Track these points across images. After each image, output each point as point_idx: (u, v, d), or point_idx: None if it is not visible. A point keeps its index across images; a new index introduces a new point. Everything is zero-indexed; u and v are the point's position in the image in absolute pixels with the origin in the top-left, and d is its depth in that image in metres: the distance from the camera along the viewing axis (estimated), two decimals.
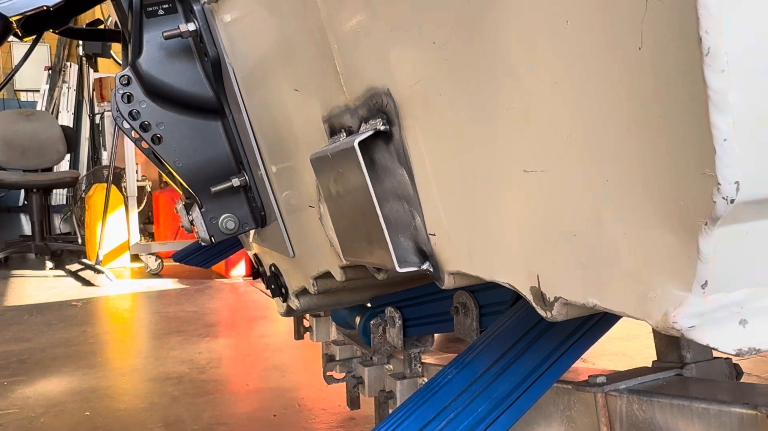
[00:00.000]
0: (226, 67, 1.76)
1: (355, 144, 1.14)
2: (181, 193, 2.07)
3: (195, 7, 1.75)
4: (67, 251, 10.04)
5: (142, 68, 1.81)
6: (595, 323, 1.49)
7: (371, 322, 2.20)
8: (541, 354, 1.44)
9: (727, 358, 1.63)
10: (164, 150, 1.85)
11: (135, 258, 9.75)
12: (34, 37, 2.28)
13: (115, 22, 2.51)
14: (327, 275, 1.69)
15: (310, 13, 1.28)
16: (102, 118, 11.21)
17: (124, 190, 9.62)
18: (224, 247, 3.26)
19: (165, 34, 1.74)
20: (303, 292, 1.98)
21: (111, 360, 5.72)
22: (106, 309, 7.81)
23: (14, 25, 2.01)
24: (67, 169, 11.74)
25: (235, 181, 1.87)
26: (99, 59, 11.39)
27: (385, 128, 1.16)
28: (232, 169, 1.90)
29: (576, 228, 0.84)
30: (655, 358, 1.69)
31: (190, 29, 1.74)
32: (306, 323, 2.89)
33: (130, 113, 1.82)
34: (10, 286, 8.70)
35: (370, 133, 1.16)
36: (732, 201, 0.64)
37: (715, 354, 1.63)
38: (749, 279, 0.75)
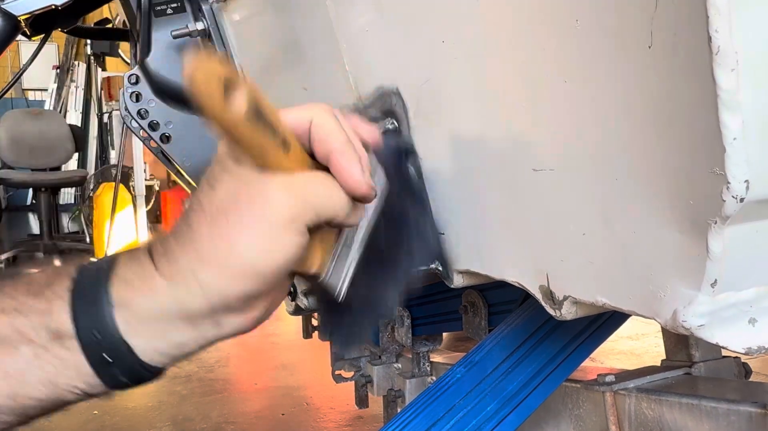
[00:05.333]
0: (235, 65, 1.76)
1: None
2: (189, 192, 2.07)
3: (203, 6, 1.75)
4: (75, 250, 10.03)
5: (151, 67, 1.81)
6: (604, 322, 1.49)
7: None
8: (549, 353, 1.44)
9: (736, 357, 1.63)
10: (173, 149, 1.84)
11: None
12: (43, 36, 2.28)
13: (123, 21, 2.52)
14: None
15: (319, 11, 1.28)
16: (110, 117, 11.20)
17: (132, 189, 9.62)
18: None
19: (174, 33, 1.74)
20: (312, 291, 1.98)
21: None
22: None
23: (22, 24, 2.01)
24: (75, 168, 11.72)
25: None
26: (107, 58, 11.39)
27: (394, 127, 1.15)
28: None
29: (585, 227, 0.84)
30: (664, 357, 1.69)
31: (199, 28, 1.74)
32: (314, 322, 2.89)
33: (138, 112, 1.82)
34: None
35: (380, 131, 1.16)
36: (742, 200, 0.64)
37: (724, 352, 1.63)
38: (759, 278, 0.75)
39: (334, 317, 0.95)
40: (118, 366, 0.73)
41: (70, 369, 0.73)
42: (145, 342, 0.73)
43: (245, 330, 0.80)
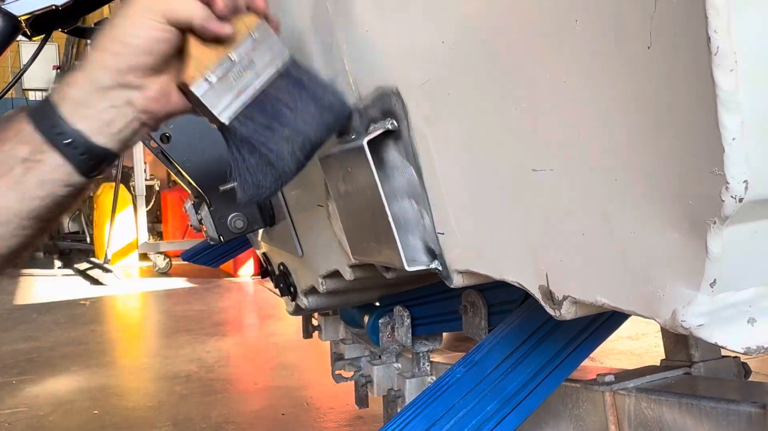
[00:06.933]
0: None
1: (364, 143, 1.14)
2: (189, 192, 2.07)
3: None
4: (75, 250, 10.05)
5: None
6: (604, 322, 1.49)
7: (380, 321, 2.20)
8: (549, 353, 1.44)
9: (736, 357, 1.63)
10: (173, 149, 1.85)
11: (143, 257, 9.77)
12: (43, 36, 2.28)
13: None
14: (336, 274, 1.69)
15: (319, 12, 1.29)
16: None
17: (132, 189, 9.64)
18: (233, 246, 3.27)
19: None
20: (311, 291, 1.98)
21: (119, 358, 5.73)
22: (114, 308, 7.83)
23: (23, 25, 2.01)
24: None
25: None
26: None
27: (393, 127, 1.16)
28: None
29: (584, 227, 0.84)
30: (664, 357, 1.69)
31: None
32: (314, 322, 2.89)
33: None
34: (19, 285, 8.72)
35: (380, 131, 1.16)
36: (741, 200, 0.64)
37: (723, 352, 1.63)
38: (758, 278, 0.75)
39: (240, 157, 1.13)
40: (77, 147, 1.03)
41: (50, 165, 1.03)
42: (87, 124, 1.04)
43: (150, 100, 1.07)
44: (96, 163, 1.06)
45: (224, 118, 1.08)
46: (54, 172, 1.03)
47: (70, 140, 1.03)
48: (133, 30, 1.03)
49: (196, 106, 1.10)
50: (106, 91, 1.04)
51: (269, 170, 1.12)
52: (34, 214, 1.04)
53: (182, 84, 1.08)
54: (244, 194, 1.14)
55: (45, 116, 1.04)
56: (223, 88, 1.08)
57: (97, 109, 1.04)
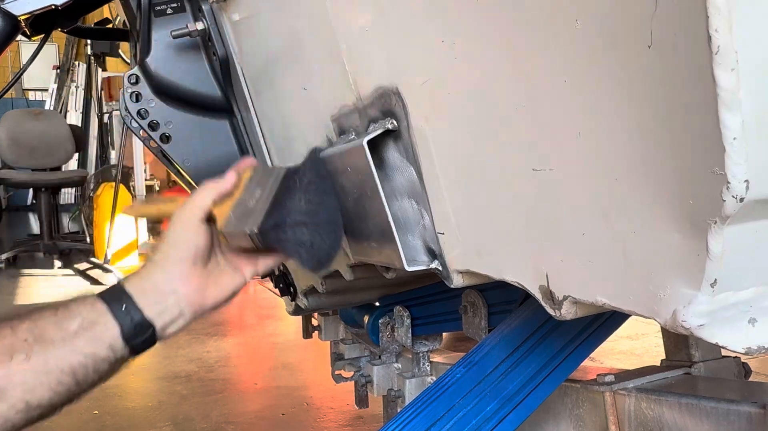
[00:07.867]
0: (235, 66, 1.76)
1: (364, 142, 1.14)
2: (189, 192, 2.07)
3: (203, 6, 1.75)
4: (75, 250, 10.02)
5: (151, 67, 1.81)
6: (604, 322, 1.49)
7: (380, 321, 2.20)
8: (549, 353, 1.44)
9: (736, 357, 1.63)
10: (173, 149, 1.85)
11: (143, 257, 9.75)
12: (43, 36, 2.28)
13: (123, 21, 2.52)
14: (335, 274, 1.69)
15: (319, 11, 1.28)
16: (110, 117, 11.21)
17: (132, 189, 9.63)
18: None
19: (173, 33, 1.73)
20: (311, 291, 1.98)
21: None
22: None
23: (23, 24, 2.01)
24: (75, 168, 11.73)
25: None
26: (107, 58, 11.40)
27: (393, 127, 1.15)
28: None
29: (585, 227, 0.84)
30: (664, 357, 1.69)
31: (199, 28, 1.74)
32: (314, 322, 2.89)
33: (138, 112, 1.82)
34: (19, 285, 8.70)
35: (380, 131, 1.16)
36: (741, 199, 0.64)
37: (723, 352, 1.63)
38: (758, 278, 0.75)
39: (283, 244, 1.23)
40: (128, 312, 1.20)
41: (102, 325, 1.18)
42: (141, 299, 1.21)
43: (190, 290, 1.26)
44: (138, 331, 1.21)
45: (255, 227, 1.21)
46: (104, 331, 1.19)
47: (124, 305, 1.21)
48: (179, 234, 1.27)
49: (237, 242, 1.30)
50: (156, 284, 1.24)
51: (305, 231, 1.21)
52: (73, 371, 1.17)
53: (220, 233, 1.30)
54: (309, 263, 1.22)
55: (110, 290, 1.24)
56: (245, 214, 1.26)
57: (150, 291, 1.23)
